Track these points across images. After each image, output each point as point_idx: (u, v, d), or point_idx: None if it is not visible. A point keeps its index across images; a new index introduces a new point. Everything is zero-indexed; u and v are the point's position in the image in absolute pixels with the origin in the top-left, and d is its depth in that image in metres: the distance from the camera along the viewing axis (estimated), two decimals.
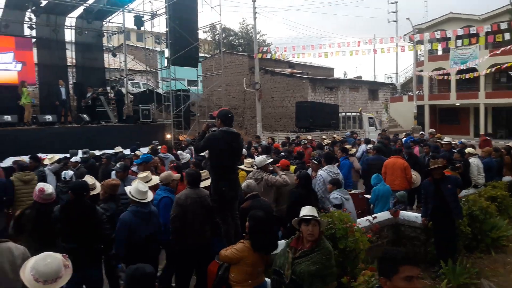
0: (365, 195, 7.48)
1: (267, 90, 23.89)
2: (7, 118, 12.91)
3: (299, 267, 3.38)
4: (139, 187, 4.37)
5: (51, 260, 2.37)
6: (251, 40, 36.22)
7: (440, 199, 5.40)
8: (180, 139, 15.65)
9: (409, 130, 21.14)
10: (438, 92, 32.15)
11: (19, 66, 15.74)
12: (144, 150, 10.31)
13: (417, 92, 30.11)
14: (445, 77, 28.23)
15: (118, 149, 10.35)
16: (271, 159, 6.88)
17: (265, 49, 22.53)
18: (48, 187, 4.37)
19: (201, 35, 17.57)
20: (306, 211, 3.57)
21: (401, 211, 6.30)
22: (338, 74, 37.84)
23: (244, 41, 38.42)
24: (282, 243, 4.14)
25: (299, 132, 18.35)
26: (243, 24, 38.91)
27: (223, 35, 21.75)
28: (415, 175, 7.69)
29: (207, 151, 4.95)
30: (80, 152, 9.66)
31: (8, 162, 8.84)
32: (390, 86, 36.13)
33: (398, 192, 6.73)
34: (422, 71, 30.55)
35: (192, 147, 10.75)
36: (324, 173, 6.39)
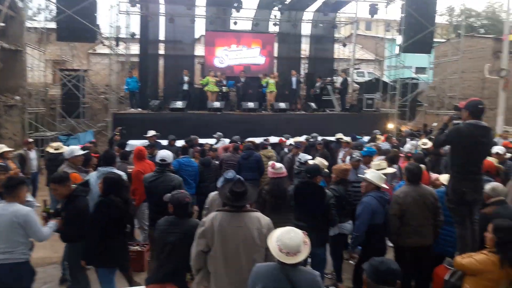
0: None
1: None
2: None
3: None
4: (379, 173, 4.56)
5: (294, 234, 2.58)
6: (498, 21, 30.74)
7: None
8: (402, 129, 14.86)
9: None
10: None
11: (262, 60, 18.18)
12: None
13: None
14: None
15: (339, 135, 10.59)
16: None
17: None
18: (278, 164, 4.84)
19: (436, 18, 16.00)
20: None
21: None
22: None
23: (489, 22, 33.05)
24: None
25: None
26: (490, 2, 33.51)
27: (463, 16, 19.02)
28: None
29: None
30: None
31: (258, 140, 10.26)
32: None
33: None
34: None
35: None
36: None
